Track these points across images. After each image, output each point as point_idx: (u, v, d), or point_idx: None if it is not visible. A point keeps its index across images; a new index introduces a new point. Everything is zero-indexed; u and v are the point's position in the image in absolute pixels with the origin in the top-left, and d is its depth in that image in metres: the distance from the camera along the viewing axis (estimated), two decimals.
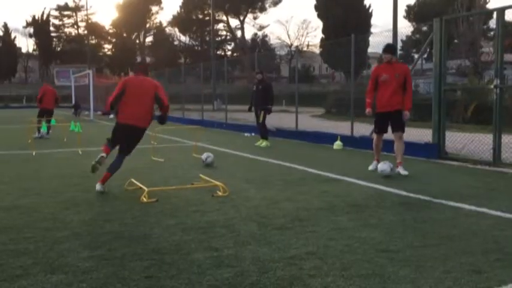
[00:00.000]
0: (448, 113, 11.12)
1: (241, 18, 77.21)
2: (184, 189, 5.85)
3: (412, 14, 57.15)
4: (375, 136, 7.52)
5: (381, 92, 7.09)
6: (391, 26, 21.15)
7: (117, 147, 6.07)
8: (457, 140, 9.17)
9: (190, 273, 3.09)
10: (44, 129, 13.90)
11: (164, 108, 6.00)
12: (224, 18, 77.04)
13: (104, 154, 5.93)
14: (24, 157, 9.33)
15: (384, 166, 6.73)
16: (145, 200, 5.20)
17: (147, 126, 6.06)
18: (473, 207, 4.84)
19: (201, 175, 6.48)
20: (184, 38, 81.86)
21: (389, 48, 7.21)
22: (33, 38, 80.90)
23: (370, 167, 7.31)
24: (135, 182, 5.95)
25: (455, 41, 27.20)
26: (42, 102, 14.14)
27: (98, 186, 5.73)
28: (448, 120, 10.80)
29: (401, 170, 6.87)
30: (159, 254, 3.47)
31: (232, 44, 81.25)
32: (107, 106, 6.14)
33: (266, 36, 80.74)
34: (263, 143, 11.24)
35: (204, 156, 8.12)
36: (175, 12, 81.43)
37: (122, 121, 5.96)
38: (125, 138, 6.01)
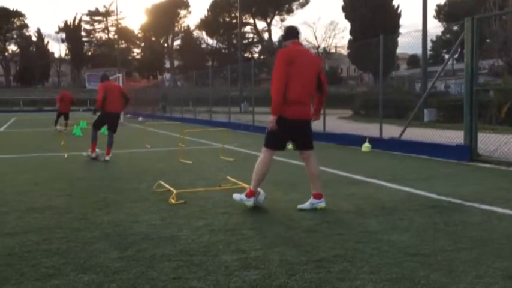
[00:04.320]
0: (481, 114, 10.86)
1: (268, 20, 77.41)
2: (212, 191, 5.89)
3: (442, 13, 56.12)
4: None
5: None
6: (420, 26, 20.89)
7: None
8: (489, 141, 8.94)
9: (218, 274, 3.10)
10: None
11: (127, 100, 10.35)
12: (251, 20, 77.44)
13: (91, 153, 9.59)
14: (57, 159, 9.56)
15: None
16: (173, 201, 5.25)
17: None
18: (506, 211, 4.71)
19: (228, 177, 6.51)
20: (211, 41, 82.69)
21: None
22: (65, 43, 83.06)
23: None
24: (163, 184, 6.02)
25: (488, 40, 26.58)
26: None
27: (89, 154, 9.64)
28: (481, 122, 10.55)
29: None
30: (188, 255, 3.49)
31: (259, 46, 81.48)
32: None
33: None
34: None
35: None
36: (202, 16, 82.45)
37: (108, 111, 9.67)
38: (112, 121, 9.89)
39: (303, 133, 5.05)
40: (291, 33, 5.08)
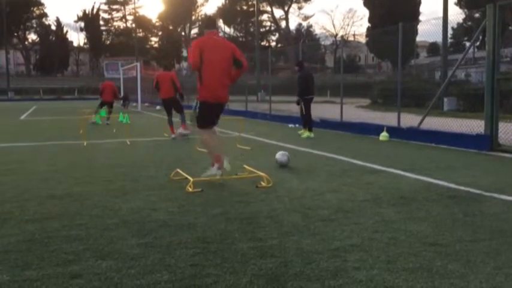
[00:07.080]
0: (502, 103, 10.66)
1: (286, 8, 76.80)
2: (228, 179, 5.91)
3: (463, 0, 54.94)
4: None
5: None
6: (440, 14, 20.50)
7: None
8: (511, 131, 8.79)
9: (234, 262, 3.12)
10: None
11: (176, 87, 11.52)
12: (268, 9, 76.92)
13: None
14: (76, 147, 9.69)
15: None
16: (190, 189, 5.28)
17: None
18: None
19: (245, 166, 6.52)
20: (229, 30, 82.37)
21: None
22: (84, 32, 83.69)
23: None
24: (181, 172, 6.07)
25: (510, 27, 25.96)
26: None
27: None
28: (502, 111, 10.35)
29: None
30: (204, 242, 3.52)
31: (277, 34, 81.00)
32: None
33: (311, 26, 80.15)
34: (304, 134, 11.20)
35: (278, 156, 7.01)
36: (220, 4, 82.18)
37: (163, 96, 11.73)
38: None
39: (218, 114, 5.94)
40: (208, 24, 5.98)
